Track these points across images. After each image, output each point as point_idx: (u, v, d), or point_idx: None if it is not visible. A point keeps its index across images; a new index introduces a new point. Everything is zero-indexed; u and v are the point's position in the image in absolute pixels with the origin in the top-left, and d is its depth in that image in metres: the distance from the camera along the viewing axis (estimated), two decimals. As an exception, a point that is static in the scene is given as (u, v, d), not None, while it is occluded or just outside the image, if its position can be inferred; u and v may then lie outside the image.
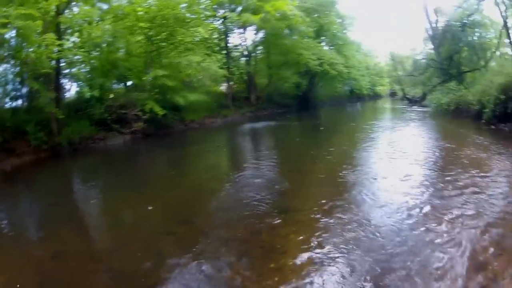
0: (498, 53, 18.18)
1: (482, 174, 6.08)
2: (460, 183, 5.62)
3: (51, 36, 11.05)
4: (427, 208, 4.73)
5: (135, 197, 6.78)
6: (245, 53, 26.80)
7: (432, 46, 22.36)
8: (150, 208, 5.75)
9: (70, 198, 7.45)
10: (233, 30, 25.82)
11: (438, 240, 3.81)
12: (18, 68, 12.39)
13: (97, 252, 4.39)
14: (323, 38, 33.20)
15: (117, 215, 5.97)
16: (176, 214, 5.66)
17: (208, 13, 21.46)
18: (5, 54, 11.27)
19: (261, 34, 26.72)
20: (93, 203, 6.97)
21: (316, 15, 29.63)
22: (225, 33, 25.50)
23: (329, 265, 3.50)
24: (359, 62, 39.85)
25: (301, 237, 4.17)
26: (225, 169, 9.61)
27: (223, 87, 26.71)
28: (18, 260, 4.19)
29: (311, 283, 3.24)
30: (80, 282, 3.55)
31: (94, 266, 3.89)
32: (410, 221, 4.37)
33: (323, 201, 5.28)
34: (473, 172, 6.20)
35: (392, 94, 42.17)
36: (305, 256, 3.71)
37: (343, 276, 3.30)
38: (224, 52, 25.69)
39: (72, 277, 3.64)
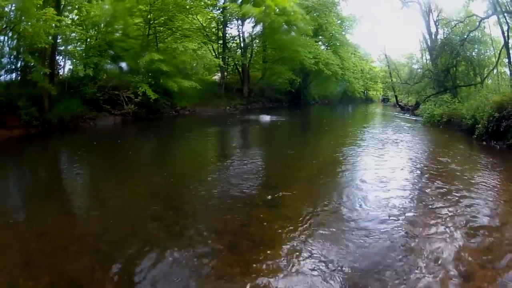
0: (495, 71, 18.13)
1: (467, 188, 6.05)
2: (444, 196, 5.62)
3: (51, 11, 11.12)
4: (409, 215, 4.82)
5: (122, 179, 6.85)
6: (242, 44, 26.88)
7: (429, 57, 22.52)
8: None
9: (56, 176, 7.46)
10: (231, 20, 25.84)
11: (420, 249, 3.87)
12: (15, 42, 12.42)
13: (83, 234, 4.30)
14: (321, 37, 33.53)
15: (103, 196, 5.91)
16: (164, 199, 5.61)
17: (208, 1, 21.51)
18: (4, 26, 11.25)
19: (259, 27, 26.84)
20: (79, 182, 6.96)
21: (316, 14, 29.96)
22: (224, 23, 25.53)
23: (317, 261, 3.59)
24: (355, 65, 40.19)
25: (289, 231, 4.23)
26: (214, 158, 9.70)
27: (216, 77, 26.89)
28: (1, 240, 4.09)
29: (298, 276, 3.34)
30: (65, 264, 3.53)
31: (80, 248, 3.86)
32: (393, 225, 4.48)
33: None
34: (459, 185, 6.21)
35: (385, 100, 42.41)
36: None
37: (329, 271, 3.40)
38: (221, 42, 25.81)
39: (57, 259, 3.63)
